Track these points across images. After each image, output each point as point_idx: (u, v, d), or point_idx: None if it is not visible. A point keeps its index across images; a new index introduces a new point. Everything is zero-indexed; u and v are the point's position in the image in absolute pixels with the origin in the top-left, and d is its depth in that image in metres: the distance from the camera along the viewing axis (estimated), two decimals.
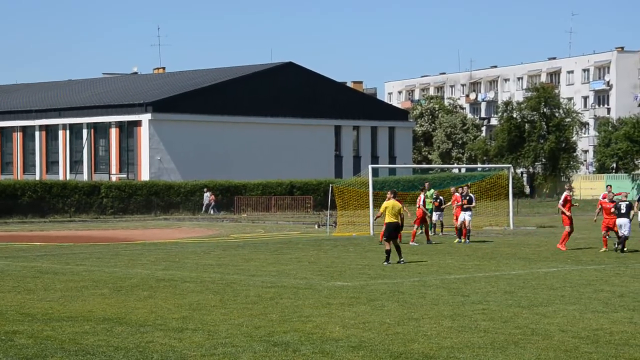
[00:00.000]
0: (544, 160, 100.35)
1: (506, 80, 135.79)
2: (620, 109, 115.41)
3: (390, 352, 12.83)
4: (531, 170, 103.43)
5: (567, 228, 32.05)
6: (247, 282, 21.94)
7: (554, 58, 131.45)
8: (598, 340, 13.75)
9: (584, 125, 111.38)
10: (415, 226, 36.47)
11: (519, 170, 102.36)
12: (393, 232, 26.61)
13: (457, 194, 37.30)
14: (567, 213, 32.28)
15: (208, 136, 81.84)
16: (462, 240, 35.72)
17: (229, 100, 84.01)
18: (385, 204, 27.27)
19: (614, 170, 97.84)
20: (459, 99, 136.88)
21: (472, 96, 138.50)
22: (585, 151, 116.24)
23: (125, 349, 13.29)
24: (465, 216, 35.89)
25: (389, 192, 28.20)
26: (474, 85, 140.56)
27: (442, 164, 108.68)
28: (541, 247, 33.58)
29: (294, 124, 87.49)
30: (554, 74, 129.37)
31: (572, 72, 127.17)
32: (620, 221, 30.33)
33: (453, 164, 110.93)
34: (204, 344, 13.63)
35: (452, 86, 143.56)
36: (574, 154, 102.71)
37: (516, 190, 72.90)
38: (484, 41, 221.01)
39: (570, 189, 35.25)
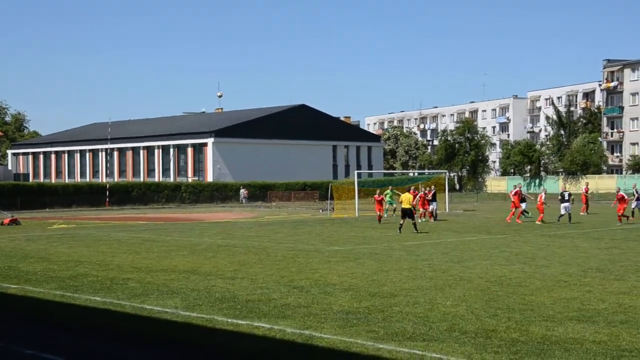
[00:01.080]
0: (467, 167, 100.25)
1: (443, 115, 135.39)
2: (516, 134, 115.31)
3: (369, 292, 12.79)
4: (459, 174, 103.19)
5: (513, 210, 33.50)
6: (276, 247, 21.71)
7: (474, 102, 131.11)
8: (502, 283, 13.68)
9: (493, 145, 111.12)
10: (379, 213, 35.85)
11: (452, 174, 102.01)
12: (408, 213, 26.58)
13: (419, 192, 36.54)
14: (514, 200, 33.69)
15: (250, 152, 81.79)
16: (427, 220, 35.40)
17: (263, 129, 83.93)
18: (402, 196, 27.25)
19: (512, 174, 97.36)
20: (413, 128, 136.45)
21: (422, 126, 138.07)
22: (494, 161, 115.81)
23: (198, 290, 13.25)
24: (433, 205, 35.95)
25: (406, 188, 28.18)
26: (423, 119, 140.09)
27: (402, 170, 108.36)
28: (466, 223, 33.34)
29: (306, 144, 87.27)
30: (474, 112, 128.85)
31: (485, 110, 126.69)
32: (564, 204, 32.44)
33: (409, 170, 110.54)
34: (248, 287, 13.59)
35: (409, 119, 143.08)
36: (487, 163, 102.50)
37: (450, 187, 72.75)
38: (429, 89, 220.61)
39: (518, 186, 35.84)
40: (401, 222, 26.62)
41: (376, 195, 35.83)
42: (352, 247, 21.41)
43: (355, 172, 46.89)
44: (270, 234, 27.38)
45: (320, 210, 50.08)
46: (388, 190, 39.64)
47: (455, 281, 14.00)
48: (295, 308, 11.31)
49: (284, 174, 79.88)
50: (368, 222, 35.95)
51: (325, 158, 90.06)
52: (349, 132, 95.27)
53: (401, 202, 27.37)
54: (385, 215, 37.33)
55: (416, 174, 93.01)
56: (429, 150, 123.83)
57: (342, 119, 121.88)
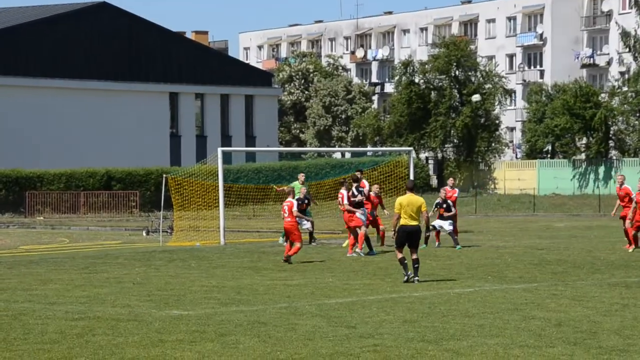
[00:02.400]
0: (456, 140, 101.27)
1: (405, 31, 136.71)
2: (558, 71, 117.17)
3: None
4: (440, 154, 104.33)
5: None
6: (45, 312, 21.47)
7: (469, 1, 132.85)
8: None
9: (510, 93, 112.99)
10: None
11: (423, 155, 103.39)
12: (414, 236, 26.97)
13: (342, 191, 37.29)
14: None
15: None
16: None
17: (14, 56, 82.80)
18: (400, 200, 27.26)
19: (549, 155, 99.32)
20: (341, 57, 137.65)
21: (360, 53, 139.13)
22: (512, 129, 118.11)
23: None
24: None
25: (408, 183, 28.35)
26: (362, 39, 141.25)
27: (318, 146, 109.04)
28: (454, 259, 33.93)
29: (111, 90, 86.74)
30: (470, 24, 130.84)
31: (493, 20, 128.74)
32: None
33: (334, 145, 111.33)
34: None
35: (332, 39, 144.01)
36: (496, 133, 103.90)
37: (420, 182, 73.93)
38: None
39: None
40: (399, 255, 27.03)
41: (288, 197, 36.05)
42: (213, 311, 21.58)
43: (220, 150, 46.86)
44: (32, 285, 27.27)
45: (144, 232, 49.83)
46: (296, 183, 39.91)
47: None
48: None
49: (63, 155, 79.25)
50: (248, 255, 36.00)
51: (154, 120, 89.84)
52: (206, 64, 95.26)
53: (391, 213, 27.56)
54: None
55: (348, 155, 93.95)
56: (375, 106, 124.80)
57: (192, 36, 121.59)
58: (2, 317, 21.00)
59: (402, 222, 26.75)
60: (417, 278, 26.35)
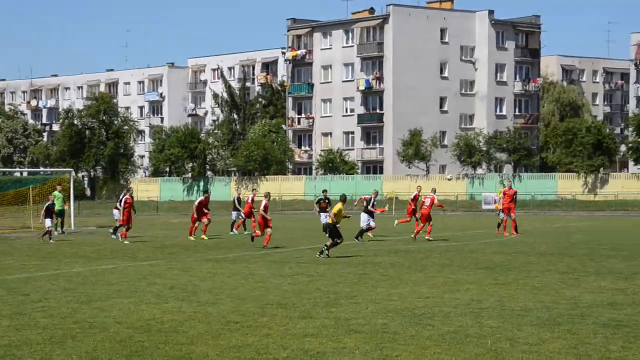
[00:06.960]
0: (104, 164, 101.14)
1: (67, 88, 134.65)
2: (173, 118, 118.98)
3: None
4: (92, 174, 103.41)
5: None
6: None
7: (112, 70, 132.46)
8: (150, 330, 13.98)
9: (140, 132, 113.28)
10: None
11: (80, 174, 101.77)
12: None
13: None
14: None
15: None
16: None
17: None
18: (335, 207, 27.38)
19: (167, 174, 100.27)
20: (19, 105, 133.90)
21: (34, 103, 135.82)
22: (142, 156, 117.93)
23: None
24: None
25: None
26: (35, 93, 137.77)
27: (3, 168, 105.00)
28: (101, 245, 33.32)
29: None
30: (112, 85, 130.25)
31: (128, 83, 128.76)
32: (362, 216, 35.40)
33: (15, 167, 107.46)
34: None
35: (12, 92, 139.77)
36: (132, 159, 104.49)
37: (78, 193, 72.44)
38: (44, 50, 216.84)
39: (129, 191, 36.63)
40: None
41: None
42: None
43: None
44: None
45: None
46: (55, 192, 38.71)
47: (83, 330, 13.99)
48: None
49: None
50: None
51: None
52: None
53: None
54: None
55: (25, 174, 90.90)
56: (45, 139, 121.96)
57: None
58: None
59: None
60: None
